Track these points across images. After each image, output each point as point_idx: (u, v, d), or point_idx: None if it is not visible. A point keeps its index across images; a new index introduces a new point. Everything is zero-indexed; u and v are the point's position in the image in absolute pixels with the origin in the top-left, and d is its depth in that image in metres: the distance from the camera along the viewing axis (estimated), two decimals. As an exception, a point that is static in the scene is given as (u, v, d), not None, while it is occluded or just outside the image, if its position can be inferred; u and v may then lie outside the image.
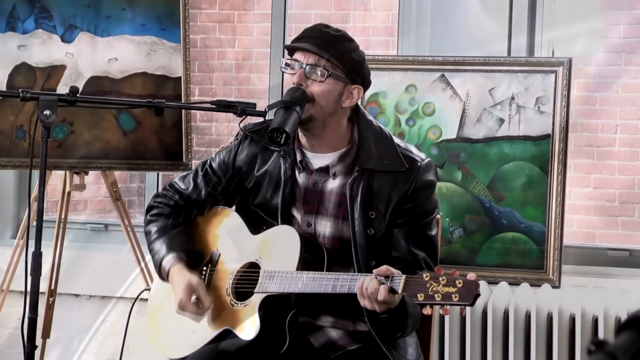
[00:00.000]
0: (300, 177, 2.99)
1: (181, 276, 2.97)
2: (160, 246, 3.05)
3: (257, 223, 3.02)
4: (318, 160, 2.98)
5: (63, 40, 4.00)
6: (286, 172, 2.98)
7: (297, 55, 2.92)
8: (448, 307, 2.57)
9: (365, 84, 2.97)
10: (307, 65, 2.89)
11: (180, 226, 3.09)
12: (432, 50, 4.25)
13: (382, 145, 2.94)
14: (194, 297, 2.94)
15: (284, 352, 2.85)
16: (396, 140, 2.99)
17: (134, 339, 3.99)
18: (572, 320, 3.75)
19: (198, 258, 3.07)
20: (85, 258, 4.59)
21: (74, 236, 4.64)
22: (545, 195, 3.92)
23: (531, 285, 3.88)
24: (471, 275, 2.55)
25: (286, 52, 3.00)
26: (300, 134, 2.98)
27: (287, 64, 2.93)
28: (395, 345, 2.89)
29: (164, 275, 3.04)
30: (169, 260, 3.02)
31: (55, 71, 3.98)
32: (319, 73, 2.88)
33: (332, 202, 2.95)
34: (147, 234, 3.13)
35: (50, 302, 4.02)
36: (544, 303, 3.77)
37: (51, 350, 4.47)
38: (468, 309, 3.77)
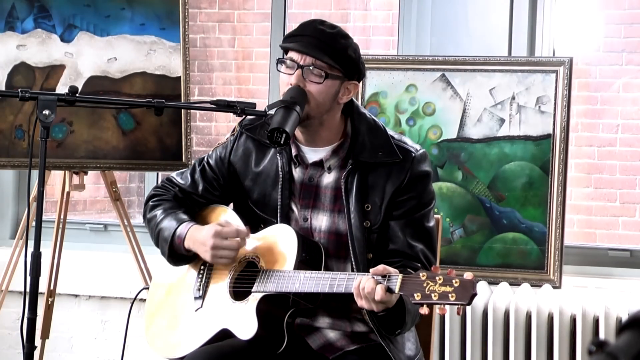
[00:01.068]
0: (296, 172, 2.98)
1: (201, 230, 2.92)
2: (169, 222, 2.99)
3: (254, 222, 3.01)
4: (313, 154, 2.97)
5: (62, 40, 3.99)
6: (284, 167, 2.97)
7: (293, 54, 2.90)
8: (445, 306, 2.56)
9: (361, 79, 2.96)
10: (304, 66, 2.87)
11: (185, 208, 3.06)
12: (432, 50, 4.24)
13: (376, 137, 2.93)
14: (231, 236, 2.88)
15: (281, 352, 2.84)
16: (390, 132, 2.97)
17: (133, 339, 3.98)
18: (573, 320, 3.75)
19: None
20: (84, 258, 4.59)
21: (73, 236, 4.64)
22: (546, 195, 3.92)
23: (532, 286, 3.88)
24: (468, 275, 2.53)
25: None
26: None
27: (281, 62, 2.92)
28: (393, 341, 2.88)
29: (179, 246, 2.96)
30: (184, 226, 2.96)
31: (54, 71, 3.97)
32: (316, 74, 2.87)
33: (327, 197, 2.95)
34: (152, 219, 3.05)
35: (50, 303, 4.01)
36: (544, 303, 3.76)
37: (50, 351, 4.46)
38: (468, 309, 3.77)
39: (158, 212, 3.05)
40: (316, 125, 2.92)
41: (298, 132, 2.96)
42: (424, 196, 2.93)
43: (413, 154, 2.92)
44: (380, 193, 2.90)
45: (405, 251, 2.89)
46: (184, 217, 3.00)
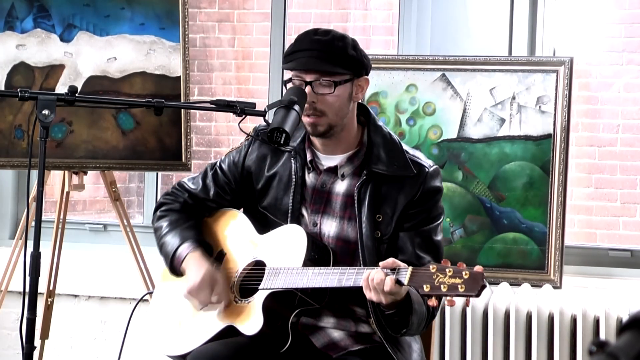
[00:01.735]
0: (309, 177, 3.02)
1: (201, 264, 2.96)
2: (173, 238, 3.05)
3: (264, 225, 3.04)
4: (328, 160, 3.01)
5: (62, 40, 3.99)
6: (297, 172, 3.00)
7: (298, 72, 2.93)
8: (454, 298, 2.58)
9: (369, 71, 2.99)
10: (311, 82, 2.90)
11: (192, 220, 3.10)
12: (432, 50, 4.24)
13: (392, 150, 2.98)
14: (214, 293, 2.92)
15: (285, 351, 2.85)
16: (405, 146, 3.03)
17: (132, 340, 3.98)
18: (574, 321, 3.74)
19: (207, 254, 3.06)
20: (84, 258, 4.58)
21: (73, 236, 4.63)
22: (547, 195, 3.91)
23: (532, 286, 3.87)
24: (478, 267, 2.58)
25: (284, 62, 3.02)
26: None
27: (291, 81, 2.95)
28: (399, 348, 2.90)
29: (177, 265, 3.02)
30: (185, 248, 3.01)
31: (54, 70, 3.97)
32: (325, 85, 2.91)
33: (338, 203, 2.98)
34: (158, 229, 3.12)
35: (49, 303, 4.01)
36: (545, 304, 3.76)
37: (50, 351, 4.45)
38: (469, 309, 3.77)
39: (164, 224, 3.11)
40: (338, 132, 2.96)
41: (316, 140, 2.99)
42: (434, 211, 2.98)
43: (427, 170, 2.97)
44: (392, 204, 2.94)
45: (413, 262, 2.91)
46: (188, 233, 3.04)
